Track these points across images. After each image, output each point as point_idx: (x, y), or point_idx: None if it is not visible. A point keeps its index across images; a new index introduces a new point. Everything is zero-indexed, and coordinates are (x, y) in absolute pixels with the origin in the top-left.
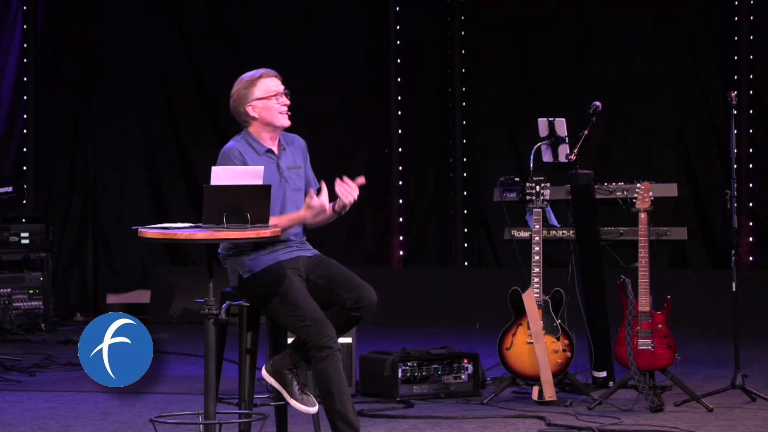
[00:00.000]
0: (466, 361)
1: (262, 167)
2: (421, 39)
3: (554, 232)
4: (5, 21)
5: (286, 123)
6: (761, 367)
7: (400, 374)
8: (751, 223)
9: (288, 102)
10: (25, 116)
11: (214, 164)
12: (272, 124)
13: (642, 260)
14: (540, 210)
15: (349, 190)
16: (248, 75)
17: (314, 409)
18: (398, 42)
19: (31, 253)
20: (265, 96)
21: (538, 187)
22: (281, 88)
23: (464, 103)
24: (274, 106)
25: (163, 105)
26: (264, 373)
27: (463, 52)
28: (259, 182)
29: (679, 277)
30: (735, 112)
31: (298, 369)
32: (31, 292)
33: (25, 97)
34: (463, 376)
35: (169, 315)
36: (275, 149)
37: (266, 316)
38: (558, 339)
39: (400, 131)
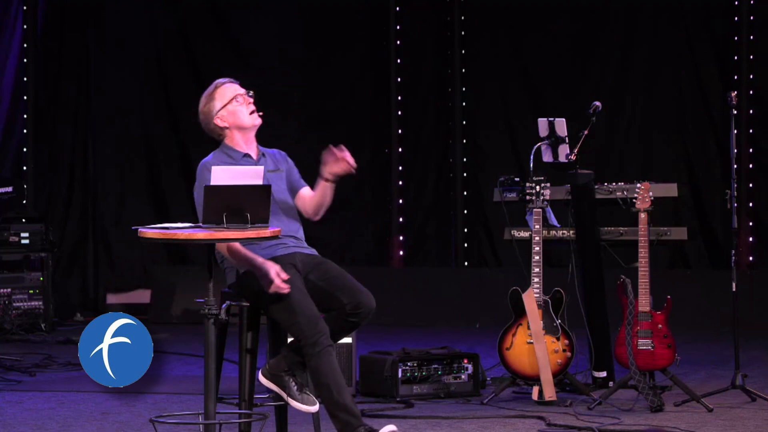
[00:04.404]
0: (466, 361)
1: (262, 167)
2: (421, 39)
3: (554, 232)
4: (5, 21)
5: (257, 121)
6: (761, 367)
7: (400, 374)
8: (751, 223)
9: (251, 101)
10: (25, 116)
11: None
12: (243, 126)
13: (642, 260)
14: (540, 210)
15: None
16: (205, 92)
17: (315, 408)
18: (398, 42)
19: (31, 253)
20: (227, 102)
21: (538, 187)
22: (241, 90)
23: (464, 103)
24: (239, 107)
25: (163, 104)
26: (261, 378)
27: (462, 52)
28: (259, 182)
29: (679, 277)
30: (735, 112)
31: (294, 370)
32: (31, 292)
33: (25, 97)
34: (463, 376)
35: (169, 315)
36: (253, 154)
37: (264, 313)
38: (558, 339)
39: (400, 131)
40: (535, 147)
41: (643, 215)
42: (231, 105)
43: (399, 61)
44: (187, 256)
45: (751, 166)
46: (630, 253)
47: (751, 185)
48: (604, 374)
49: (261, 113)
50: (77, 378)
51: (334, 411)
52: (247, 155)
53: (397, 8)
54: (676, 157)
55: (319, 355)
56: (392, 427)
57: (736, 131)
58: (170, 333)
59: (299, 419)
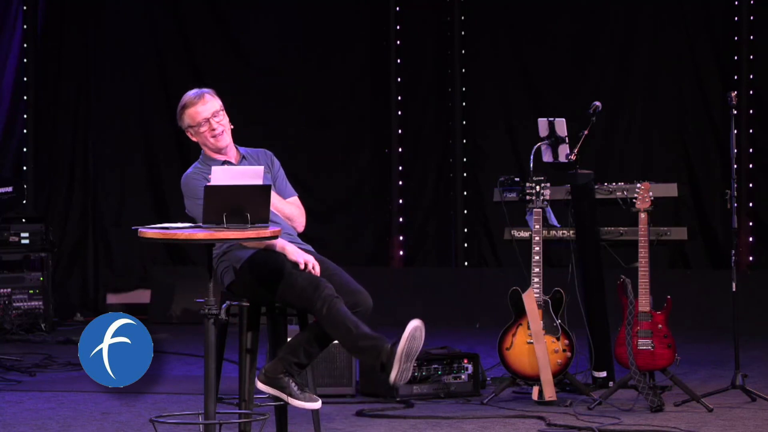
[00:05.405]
0: (466, 361)
1: (262, 167)
2: (421, 39)
3: (554, 232)
4: (5, 21)
5: (221, 144)
6: (761, 367)
7: None
8: (751, 223)
9: (215, 126)
10: (25, 116)
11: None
12: (208, 148)
13: (642, 260)
14: (540, 210)
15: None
16: (180, 103)
17: (317, 405)
18: (398, 42)
19: (31, 253)
20: (193, 125)
21: (538, 187)
22: (207, 113)
23: (464, 103)
24: (202, 133)
25: (163, 104)
26: (259, 384)
27: (462, 52)
28: (259, 182)
29: (679, 277)
30: (735, 112)
31: (292, 372)
32: (31, 292)
33: (25, 97)
34: (463, 376)
35: (169, 315)
36: (233, 160)
37: (266, 304)
38: (558, 339)
39: (400, 131)
40: (535, 147)
41: (643, 215)
42: (197, 129)
43: (399, 61)
44: (187, 256)
45: (751, 166)
46: (630, 253)
47: (751, 185)
48: (604, 374)
49: (232, 126)
50: (77, 378)
51: (358, 342)
52: (226, 162)
53: (397, 8)
54: (676, 157)
55: (329, 309)
56: (416, 322)
57: (736, 131)
58: (170, 333)
59: (299, 419)
